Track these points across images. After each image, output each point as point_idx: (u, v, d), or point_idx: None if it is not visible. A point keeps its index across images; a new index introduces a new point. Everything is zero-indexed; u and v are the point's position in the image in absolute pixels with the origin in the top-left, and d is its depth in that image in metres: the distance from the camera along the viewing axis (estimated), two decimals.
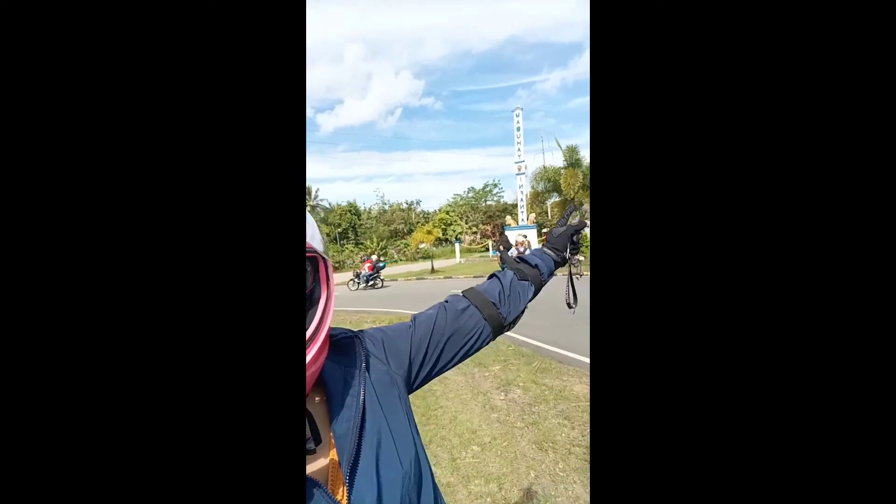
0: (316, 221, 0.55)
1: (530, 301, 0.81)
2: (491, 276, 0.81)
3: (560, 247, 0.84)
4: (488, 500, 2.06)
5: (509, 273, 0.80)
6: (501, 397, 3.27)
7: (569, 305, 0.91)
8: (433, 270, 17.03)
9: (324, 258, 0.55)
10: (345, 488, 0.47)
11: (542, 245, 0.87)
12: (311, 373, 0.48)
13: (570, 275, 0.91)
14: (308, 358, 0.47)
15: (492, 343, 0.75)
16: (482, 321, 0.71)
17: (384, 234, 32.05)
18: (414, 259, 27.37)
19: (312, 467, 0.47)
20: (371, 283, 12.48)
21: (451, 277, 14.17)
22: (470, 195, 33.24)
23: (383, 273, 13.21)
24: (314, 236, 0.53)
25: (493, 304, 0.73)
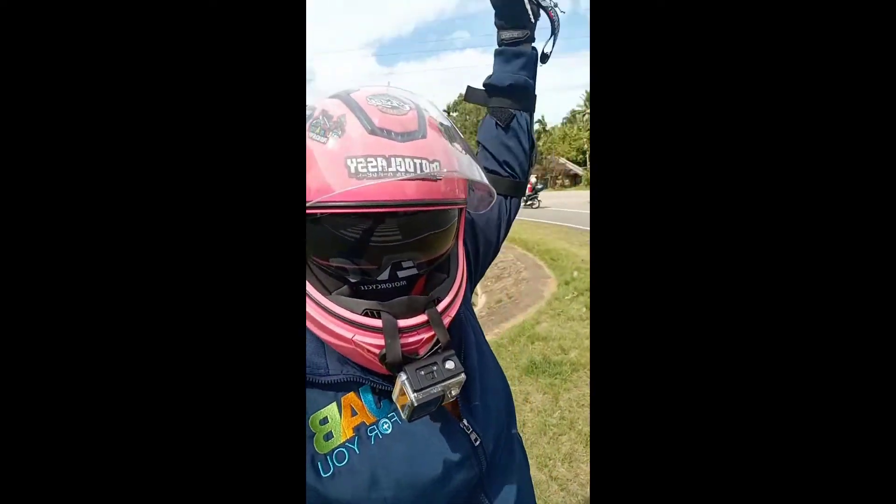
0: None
1: (531, 123, 0.66)
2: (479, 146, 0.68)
3: (515, 16, 0.61)
4: None
5: (488, 127, 0.66)
6: None
7: (545, 56, 0.65)
8: None
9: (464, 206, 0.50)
10: (457, 406, 0.51)
11: (499, 49, 0.64)
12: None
13: (553, 24, 0.64)
14: (448, 321, 0.46)
15: None
16: (501, 199, 0.65)
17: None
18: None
19: None
20: (529, 203, 14.13)
21: None
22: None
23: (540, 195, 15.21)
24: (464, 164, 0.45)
25: (500, 175, 0.66)
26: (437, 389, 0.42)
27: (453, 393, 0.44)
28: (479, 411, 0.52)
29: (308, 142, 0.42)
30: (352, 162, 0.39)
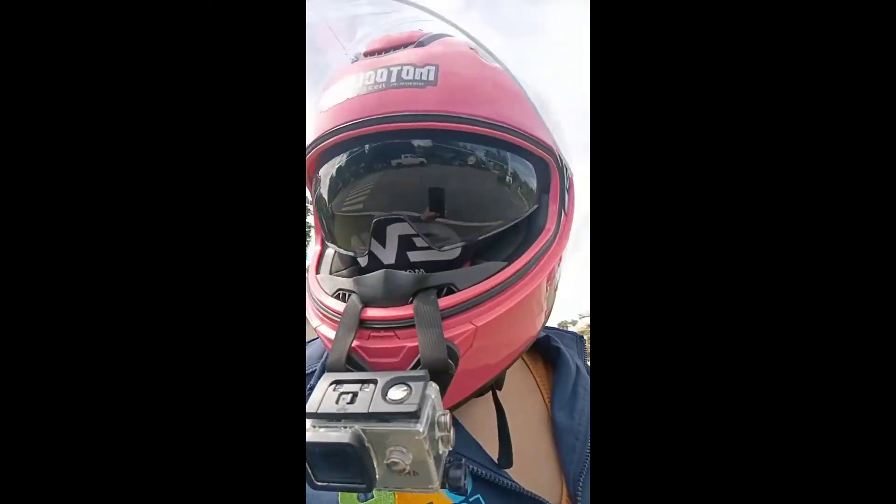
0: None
1: None
2: None
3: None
4: None
5: None
6: None
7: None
8: None
9: (560, 161, 0.34)
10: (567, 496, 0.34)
11: None
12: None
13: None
14: (463, 332, 0.28)
15: None
16: None
17: None
18: None
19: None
20: None
21: None
22: None
23: None
24: (535, 119, 0.32)
25: None
26: (335, 434, 0.22)
27: (392, 458, 0.22)
28: None
29: None
30: (323, 98, 0.31)
